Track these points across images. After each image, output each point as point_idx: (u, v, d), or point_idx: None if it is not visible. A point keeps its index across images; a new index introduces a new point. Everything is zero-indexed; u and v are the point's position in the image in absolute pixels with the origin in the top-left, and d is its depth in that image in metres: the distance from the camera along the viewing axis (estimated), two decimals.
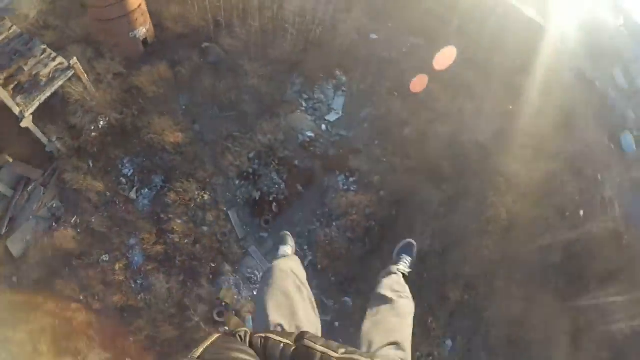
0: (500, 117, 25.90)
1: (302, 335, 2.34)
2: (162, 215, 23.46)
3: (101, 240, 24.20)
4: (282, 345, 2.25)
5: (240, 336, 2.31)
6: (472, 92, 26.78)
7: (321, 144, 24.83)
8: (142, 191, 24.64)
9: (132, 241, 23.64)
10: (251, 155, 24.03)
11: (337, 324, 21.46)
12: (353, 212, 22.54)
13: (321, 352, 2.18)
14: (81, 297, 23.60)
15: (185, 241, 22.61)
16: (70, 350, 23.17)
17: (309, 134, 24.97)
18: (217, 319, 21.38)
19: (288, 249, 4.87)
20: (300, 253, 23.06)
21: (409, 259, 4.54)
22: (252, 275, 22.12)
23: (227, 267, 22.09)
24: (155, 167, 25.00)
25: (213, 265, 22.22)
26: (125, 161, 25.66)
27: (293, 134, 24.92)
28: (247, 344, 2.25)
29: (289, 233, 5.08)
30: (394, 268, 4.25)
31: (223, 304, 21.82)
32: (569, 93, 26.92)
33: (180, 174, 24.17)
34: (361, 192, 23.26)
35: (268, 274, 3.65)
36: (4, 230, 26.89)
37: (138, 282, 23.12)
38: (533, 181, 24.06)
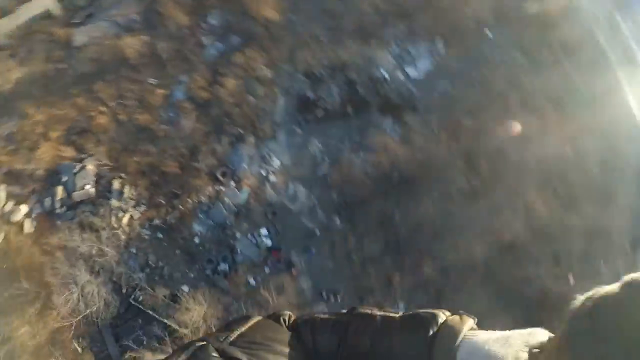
0: None
1: (353, 308, 2.00)
2: (222, 70, 24.40)
3: (157, 64, 25.28)
4: (331, 321, 1.96)
5: (284, 319, 2.03)
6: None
7: (389, 87, 25.45)
8: (216, 43, 25.56)
9: (184, 78, 24.67)
10: (325, 62, 24.83)
11: (318, 232, 22.47)
12: (383, 154, 23.33)
13: (380, 315, 1.87)
14: (112, 104, 24.68)
15: (229, 100, 23.44)
16: (76, 145, 24.25)
17: (385, 73, 25.65)
18: (219, 177, 22.15)
19: None
20: (319, 158, 23.89)
21: None
22: (269, 157, 23.06)
23: (252, 139, 22.84)
24: (239, 30, 25.86)
25: (241, 132, 22.99)
26: (215, 11, 26.61)
27: (371, 65, 25.60)
28: (290, 329, 1.99)
29: None
30: None
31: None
32: None
33: (257, 44, 25.05)
34: (400, 143, 23.89)
35: None
36: (78, 20, 28.33)
37: (169, 113, 24.11)
38: None
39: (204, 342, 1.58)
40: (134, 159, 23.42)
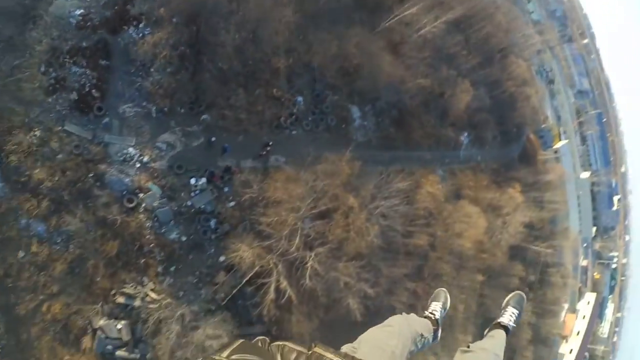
0: None
1: (314, 344, 2.53)
2: None
3: None
4: (295, 352, 2.49)
5: (261, 342, 2.61)
6: None
7: (93, 14, 24.05)
8: None
9: None
10: (42, 68, 22.97)
11: (213, 139, 25.18)
12: (160, 50, 24.16)
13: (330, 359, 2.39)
14: None
15: (55, 179, 22.75)
16: None
17: (78, 12, 23.83)
18: (129, 205, 23.74)
19: (438, 307, 4.78)
20: (154, 116, 24.94)
21: (515, 312, 4.68)
22: (126, 155, 23.97)
23: (103, 167, 23.58)
24: None
25: (91, 176, 23.31)
26: None
27: (64, 22, 23.54)
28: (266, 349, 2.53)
29: (445, 290, 5.02)
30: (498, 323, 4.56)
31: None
32: None
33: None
34: (156, 30, 24.26)
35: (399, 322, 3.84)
36: None
37: None
38: None
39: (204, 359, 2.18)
40: None
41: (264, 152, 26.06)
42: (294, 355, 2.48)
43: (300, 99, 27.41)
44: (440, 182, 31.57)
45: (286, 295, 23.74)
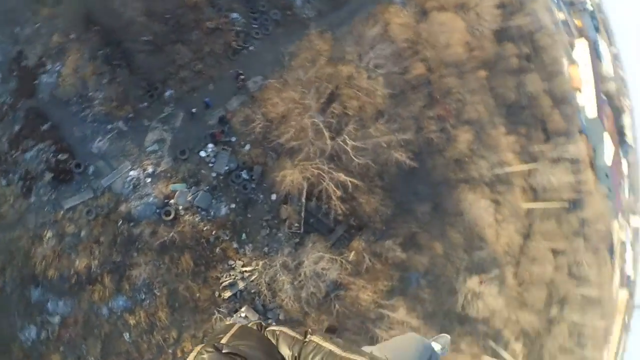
0: None
1: (311, 332, 2.54)
2: None
3: None
4: (292, 339, 2.49)
5: (257, 326, 2.66)
6: None
7: (1, 96, 23.03)
8: None
9: None
10: (3, 182, 22.34)
11: (193, 110, 24.20)
12: (82, 71, 23.11)
13: (329, 348, 2.36)
14: None
15: (97, 253, 22.62)
16: None
17: None
18: (167, 219, 23.32)
19: (437, 348, 4.83)
20: (126, 129, 23.81)
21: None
22: (132, 181, 23.51)
23: (124, 207, 23.21)
24: None
25: (121, 224, 23.13)
26: None
27: None
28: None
29: (448, 335, 5.12)
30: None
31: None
32: None
33: None
34: (65, 57, 23.02)
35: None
36: None
37: None
38: None
39: (205, 344, 2.17)
40: None
41: (240, 83, 25.04)
42: (289, 342, 2.49)
43: (235, 15, 25.83)
44: (403, 8, 30.61)
45: (349, 187, 23.85)
